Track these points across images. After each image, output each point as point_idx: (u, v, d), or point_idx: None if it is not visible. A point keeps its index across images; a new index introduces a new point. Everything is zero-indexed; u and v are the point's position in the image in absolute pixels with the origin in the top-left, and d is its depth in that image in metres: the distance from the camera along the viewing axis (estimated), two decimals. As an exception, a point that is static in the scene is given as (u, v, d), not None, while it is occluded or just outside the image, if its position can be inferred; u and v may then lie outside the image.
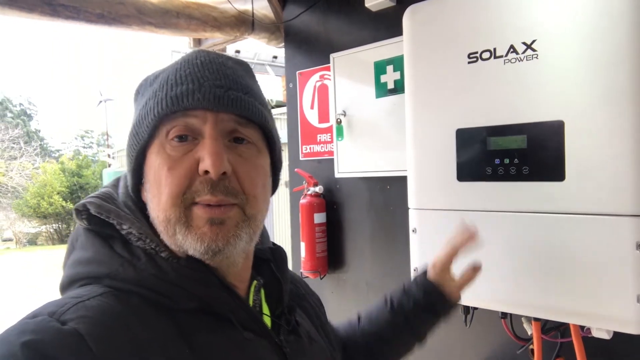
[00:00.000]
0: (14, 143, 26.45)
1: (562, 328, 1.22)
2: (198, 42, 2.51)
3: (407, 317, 0.92)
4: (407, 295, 0.94)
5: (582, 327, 1.12)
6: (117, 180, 0.68)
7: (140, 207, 0.63)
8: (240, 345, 0.58)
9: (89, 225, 0.60)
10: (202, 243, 0.57)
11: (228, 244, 0.58)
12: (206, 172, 0.56)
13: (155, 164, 0.59)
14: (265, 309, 0.67)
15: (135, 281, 0.54)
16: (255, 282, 0.68)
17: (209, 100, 0.57)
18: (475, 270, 0.97)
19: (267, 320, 0.66)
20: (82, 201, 0.60)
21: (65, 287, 0.58)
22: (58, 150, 35.51)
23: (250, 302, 0.65)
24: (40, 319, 0.47)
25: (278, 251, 0.74)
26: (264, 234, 0.76)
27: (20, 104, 36.71)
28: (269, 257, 0.72)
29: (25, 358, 0.43)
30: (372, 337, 0.94)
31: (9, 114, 34.13)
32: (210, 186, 0.57)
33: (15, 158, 25.54)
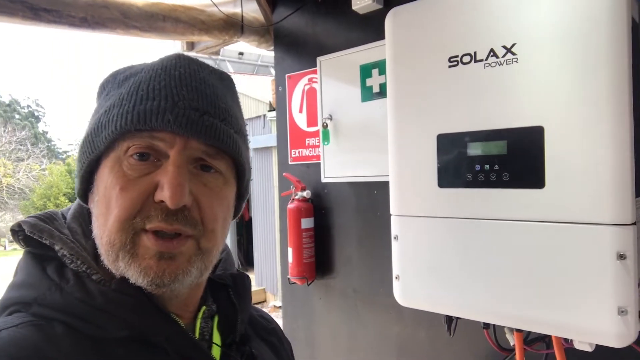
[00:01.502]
0: (21, 145, 26.67)
1: (547, 339, 1.19)
2: (191, 45, 2.50)
3: None
4: None
5: (565, 339, 1.09)
6: (76, 202, 0.63)
7: (87, 228, 0.58)
8: None
9: (29, 247, 0.56)
10: (145, 276, 0.51)
11: (175, 280, 0.53)
12: (162, 201, 0.51)
13: (107, 180, 0.53)
14: (217, 338, 0.61)
15: (61, 307, 0.50)
16: (204, 307, 0.62)
17: (180, 124, 0.52)
18: None
19: (217, 351, 0.60)
20: (19, 220, 0.56)
21: None
22: (65, 152, 35.77)
23: (197, 330, 0.60)
24: None
25: (240, 277, 0.68)
26: (229, 261, 0.72)
27: (28, 106, 37.06)
28: (228, 283, 0.67)
29: None
30: None
31: (17, 116, 34.44)
32: (165, 214, 0.51)
33: (23, 160, 25.74)
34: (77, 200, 0.62)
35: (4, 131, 25.98)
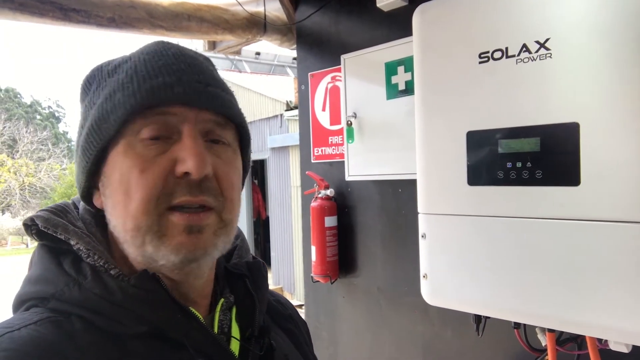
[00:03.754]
0: (42, 145, 27.23)
1: (579, 340, 1.17)
2: (212, 44, 2.52)
3: None
4: None
5: (599, 340, 1.07)
6: None
7: (98, 217, 0.58)
8: None
9: (43, 241, 0.55)
10: (178, 253, 0.51)
11: (206, 254, 0.53)
12: (186, 173, 0.51)
13: (122, 166, 0.52)
14: (235, 331, 0.60)
15: (79, 302, 0.50)
16: (222, 300, 0.61)
17: (190, 95, 0.52)
18: None
19: (235, 344, 0.58)
20: (32, 214, 0.55)
21: (15, 307, 0.54)
22: (85, 152, 36.31)
23: (215, 323, 0.59)
24: None
25: (256, 265, 0.67)
26: (244, 248, 0.70)
27: (49, 107, 37.84)
28: (244, 273, 0.65)
29: None
30: None
31: (38, 117, 35.17)
32: (189, 187, 0.51)
33: (44, 159, 26.29)
34: None
35: (26, 131, 26.56)
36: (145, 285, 0.52)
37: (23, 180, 23.91)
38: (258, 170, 9.71)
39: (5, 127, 25.77)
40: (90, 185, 0.57)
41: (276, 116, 8.39)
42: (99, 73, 0.57)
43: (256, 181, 9.69)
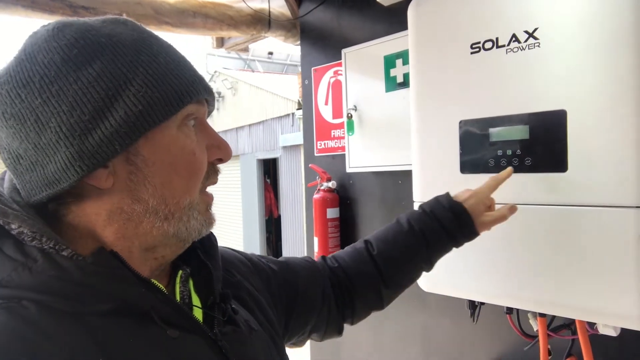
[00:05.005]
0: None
1: (572, 326, 1.18)
2: (220, 41, 2.56)
3: (429, 241, 0.90)
4: (432, 217, 0.91)
5: (591, 325, 1.08)
6: (4, 173, 0.58)
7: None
8: (164, 345, 0.52)
9: None
10: (210, 225, 0.62)
11: None
12: (219, 159, 0.62)
13: (176, 146, 0.55)
14: (196, 300, 0.61)
15: (32, 287, 0.48)
16: (180, 272, 0.62)
17: (206, 89, 0.60)
18: (511, 210, 0.95)
19: (199, 313, 0.60)
20: None
21: None
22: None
23: (177, 295, 0.60)
24: None
25: (207, 237, 0.67)
26: None
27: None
28: (195, 245, 0.65)
29: None
30: (389, 261, 0.91)
31: None
32: (215, 171, 0.62)
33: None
34: (5, 170, 0.58)
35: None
36: (105, 262, 0.51)
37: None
38: (270, 169, 9.78)
39: None
40: (89, 165, 0.50)
41: (288, 115, 8.45)
42: (98, 47, 0.52)
43: (269, 180, 9.76)
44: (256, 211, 9.45)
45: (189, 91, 0.55)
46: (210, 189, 0.64)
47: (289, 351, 0.80)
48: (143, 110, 0.51)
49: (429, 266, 0.94)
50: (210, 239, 0.68)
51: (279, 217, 9.11)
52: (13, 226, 0.50)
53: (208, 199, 0.62)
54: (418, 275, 0.96)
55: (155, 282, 0.56)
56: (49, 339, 0.46)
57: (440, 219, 0.91)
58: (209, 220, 0.62)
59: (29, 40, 0.53)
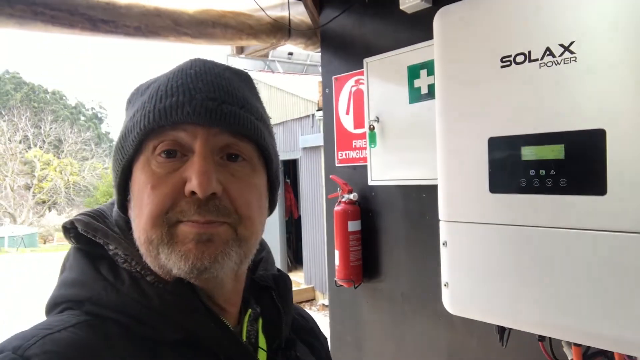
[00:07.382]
0: (85, 145, 28.34)
1: (608, 353, 1.12)
2: (240, 49, 2.55)
3: None
4: None
5: (630, 357, 1.02)
6: (114, 199, 0.63)
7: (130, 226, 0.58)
8: None
9: (79, 244, 0.57)
10: (186, 261, 0.51)
11: (215, 262, 0.52)
12: (193, 193, 0.51)
13: (139, 181, 0.54)
14: (262, 342, 0.61)
15: (117, 307, 0.51)
16: (250, 311, 0.62)
17: (199, 114, 0.52)
18: None
19: (263, 355, 0.60)
20: (71, 218, 0.57)
21: (48, 309, 0.55)
22: (126, 151, 37.64)
23: (244, 334, 0.60)
24: (4, 355, 0.44)
25: (282, 278, 0.68)
26: (269, 260, 0.71)
27: (92, 108, 39.33)
28: (270, 285, 0.66)
29: None
30: None
31: (82, 118, 36.62)
32: (197, 206, 0.52)
33: (87, 159, 27.36)
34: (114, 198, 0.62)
35: (71, 132, 27.70)
36: (181, 292, 0.53)
37: (68, 179, 24.97)
38: (290, 170, 9.78)
39: (51, 128, 26.97)
40: (123, 198, 0.58)
41: (308, 116, 8.42)
42: (136, 92, 0.60)
43: (288, 181, 9.76)
44: (276, 212, 9.44)
45: (149, 121, 0.53)
46: None
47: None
48: (117, 147, 0.57)
49: None
50: (286, 282, 0.68)
51: (299, 218, 9.10)
52: (111, 247, 0.56)
53: (188, 229, 0.52)
54: None
55: (224, 319, 0.56)
56: None
57: None
58: (186, 255, 0.52)
59: None
